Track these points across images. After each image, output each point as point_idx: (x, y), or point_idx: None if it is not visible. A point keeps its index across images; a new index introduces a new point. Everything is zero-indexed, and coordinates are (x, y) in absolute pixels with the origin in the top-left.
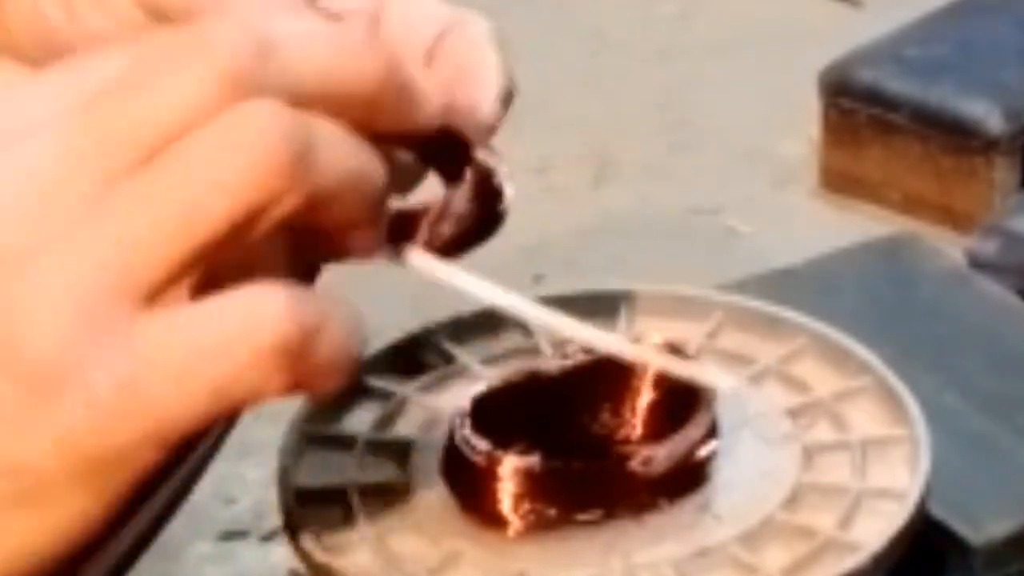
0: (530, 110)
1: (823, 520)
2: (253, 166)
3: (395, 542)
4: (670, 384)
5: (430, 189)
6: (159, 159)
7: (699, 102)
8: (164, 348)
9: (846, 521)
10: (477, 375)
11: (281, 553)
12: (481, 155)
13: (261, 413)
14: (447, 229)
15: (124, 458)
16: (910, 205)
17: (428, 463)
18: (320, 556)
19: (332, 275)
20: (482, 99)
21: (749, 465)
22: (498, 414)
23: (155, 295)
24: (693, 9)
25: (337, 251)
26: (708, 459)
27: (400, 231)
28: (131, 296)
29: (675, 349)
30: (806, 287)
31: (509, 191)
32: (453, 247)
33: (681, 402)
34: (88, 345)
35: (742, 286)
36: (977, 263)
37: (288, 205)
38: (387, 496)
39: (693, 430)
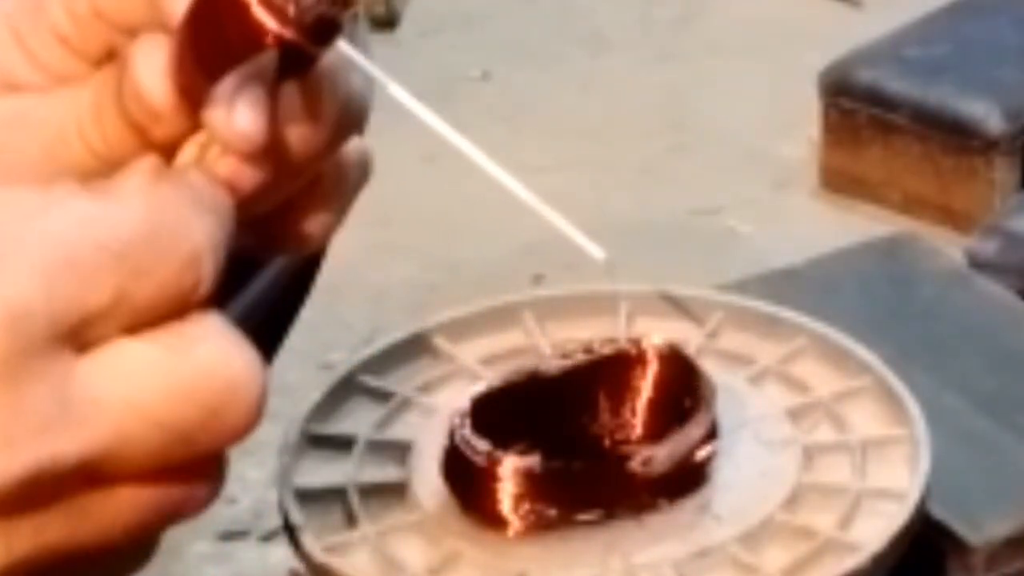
0: (530, 110)
1: (823, 520)
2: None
3: (395, 542)
4: (670, 384)
5: None
6: None
7: (699, 103)
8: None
9: (846, 521)
10: (477, 375)
11: (281, 553)
12: None
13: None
14: None
15: None
16: (910, 205)
17: (428, 463)
18: (320, 556)
19: (332, 276)
20: None
21: (749, 465)
22: (498, 414)
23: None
24: (693, 11)
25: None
26: (708, 459)
27: None
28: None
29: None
30: (806, 287)
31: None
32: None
33: (681, 402)
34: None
35: (742, 286)
36: (977, 263)
37: None
38: (387, 496)
39: (693, 430)
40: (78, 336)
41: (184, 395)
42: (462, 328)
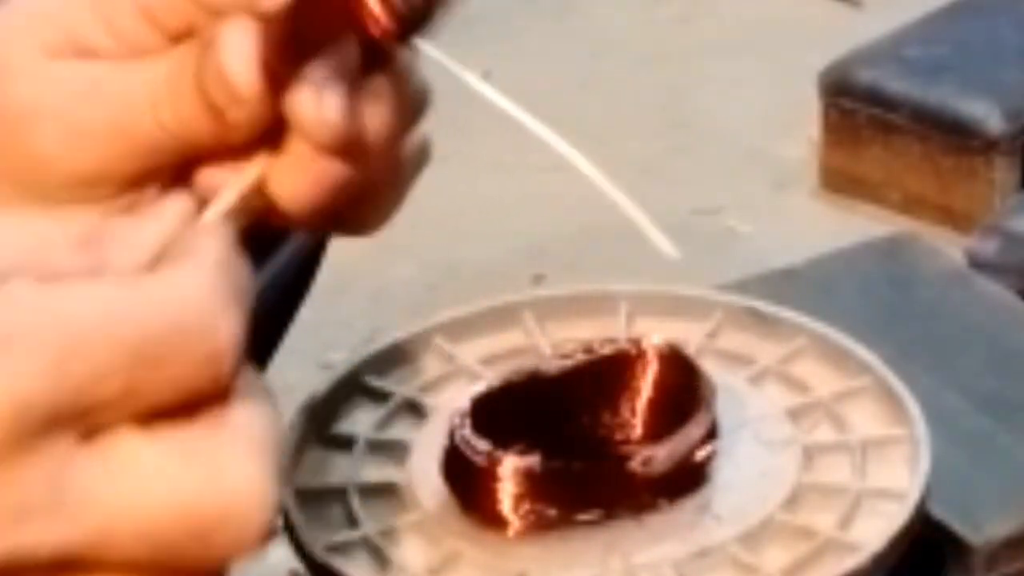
0: (530, 110)
1: (823, 520)
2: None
3: (395, 542)
4: (670, 384)
5: None
6: None
7: (699, 103)
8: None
9: (846, 521)
10: (477, 375)
11: (281, 553)
12: None
13: None
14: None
15: None
16: (910, 205)
17: (428, 463)
18: (320, 556)
19: (332, 276)
20: None
21: (749, 465)
22: (498, 414)
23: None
24: (693, 10)
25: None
26: (708, 459)
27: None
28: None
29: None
30: (806, 287)
31: None
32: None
33: (681, 402)
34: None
35: (742, 286)
36: (977, 263)
37: None
38: (387, 496)
39: (693, 430)
40: (82, 421)
41: (175, 511)
42: (462, 328)
